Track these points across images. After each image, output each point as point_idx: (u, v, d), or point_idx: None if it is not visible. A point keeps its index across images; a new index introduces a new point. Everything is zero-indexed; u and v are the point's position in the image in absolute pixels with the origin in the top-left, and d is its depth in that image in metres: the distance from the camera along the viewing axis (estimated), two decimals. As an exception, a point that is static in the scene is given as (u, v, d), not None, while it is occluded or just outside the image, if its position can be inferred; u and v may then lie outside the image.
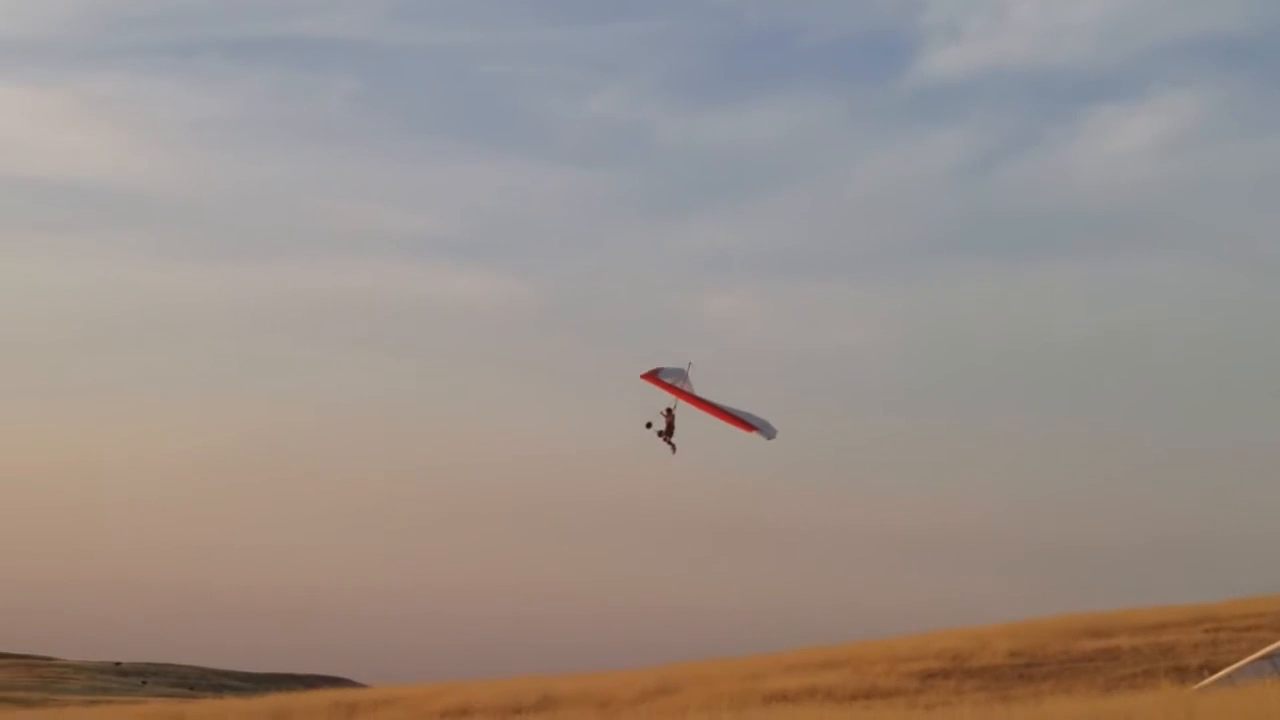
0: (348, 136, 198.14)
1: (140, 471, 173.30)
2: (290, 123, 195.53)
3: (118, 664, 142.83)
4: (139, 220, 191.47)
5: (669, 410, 27.55)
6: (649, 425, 27.54)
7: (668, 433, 27.64)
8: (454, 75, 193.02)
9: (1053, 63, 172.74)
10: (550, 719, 34.84)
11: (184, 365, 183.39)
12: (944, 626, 49.59)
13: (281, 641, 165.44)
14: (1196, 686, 34.12)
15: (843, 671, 42.01)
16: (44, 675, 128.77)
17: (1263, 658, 35.47)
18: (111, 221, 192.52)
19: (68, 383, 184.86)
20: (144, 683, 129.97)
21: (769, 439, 26.86)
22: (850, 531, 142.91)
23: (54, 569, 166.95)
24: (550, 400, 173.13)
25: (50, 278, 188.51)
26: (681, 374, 27.25)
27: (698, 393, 27.19)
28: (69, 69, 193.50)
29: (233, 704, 50.06)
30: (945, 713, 28.78)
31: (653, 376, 27.14)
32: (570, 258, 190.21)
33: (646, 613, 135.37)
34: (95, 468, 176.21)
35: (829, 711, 30.30)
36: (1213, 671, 36.94)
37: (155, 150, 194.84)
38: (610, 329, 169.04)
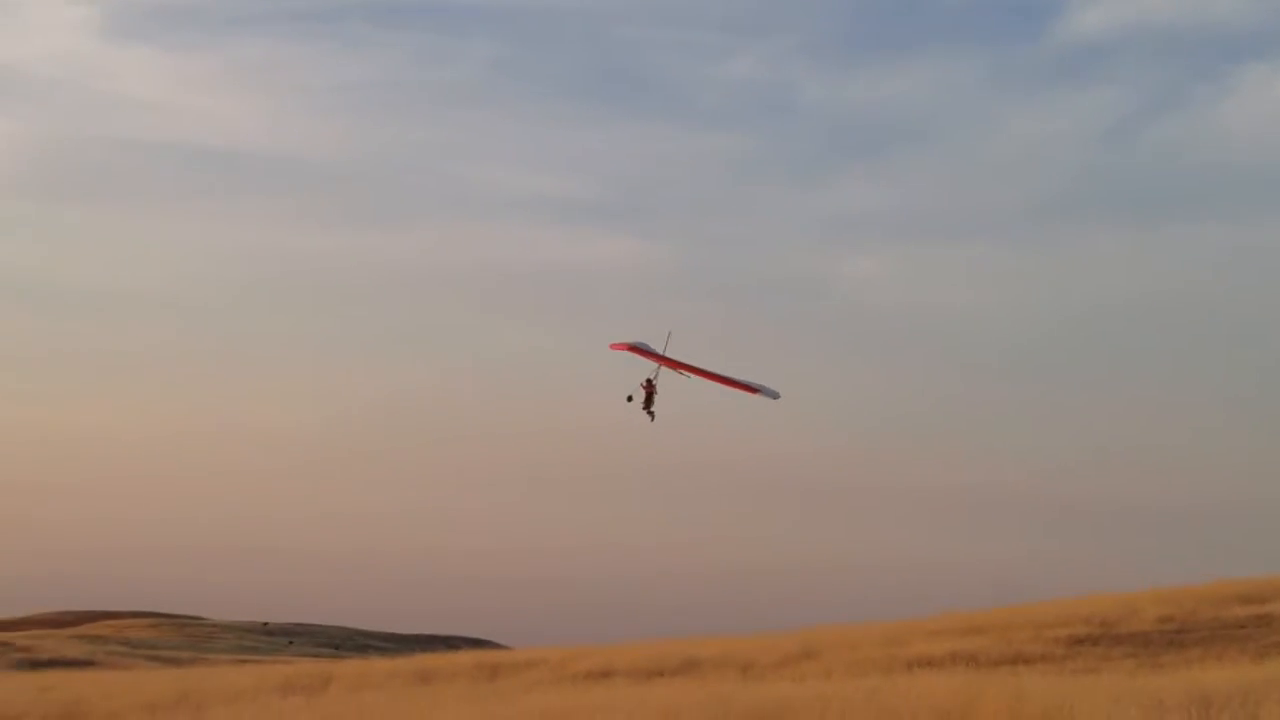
0: (488, 101, 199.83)
1: (288, 435, 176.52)
2: (432, 87, 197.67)
3: (265, 624, 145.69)
4: (288, 185, 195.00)
5: (649, 381, 27.80)
6: (629, 399, 27.92)
7: (647, 403, 27.91)
8: (593, 39, 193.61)
9: (1200, 20, 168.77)
10: (692, 682, 34.81)
11: (331, 329, 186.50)
12: (1091, 592, 48.85)
13: (425, 604, 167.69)
14: None
15: (987, 637, 41.48)
16: (193, 635, 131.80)
17: None
18: (261, 186, 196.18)
19: (218, 347, 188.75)
20: (290, 643, 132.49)
21: (773, 399, 26.89)
22: (995, 494, 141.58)
23: (204, 532, 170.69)
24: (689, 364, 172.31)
25: (202, 242, 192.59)
26: (646, 348, 27.49)
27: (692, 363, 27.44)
28: (219, 35, 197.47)
29: (378, 664, 50.72)
30: (1093, 679, 28.29)
31: (631, 348, 27.42)
32: (708, 221, 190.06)
33: (788, 575, 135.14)
34: (245, 431, 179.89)
35: (974, 677, 29.91)
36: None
37: (302, 115, 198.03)
38: (748, 292, 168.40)
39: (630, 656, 42.61)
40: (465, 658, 47.65)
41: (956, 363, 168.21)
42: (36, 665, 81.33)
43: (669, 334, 27.33)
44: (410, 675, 42.41)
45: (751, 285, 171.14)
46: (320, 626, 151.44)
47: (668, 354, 27.41)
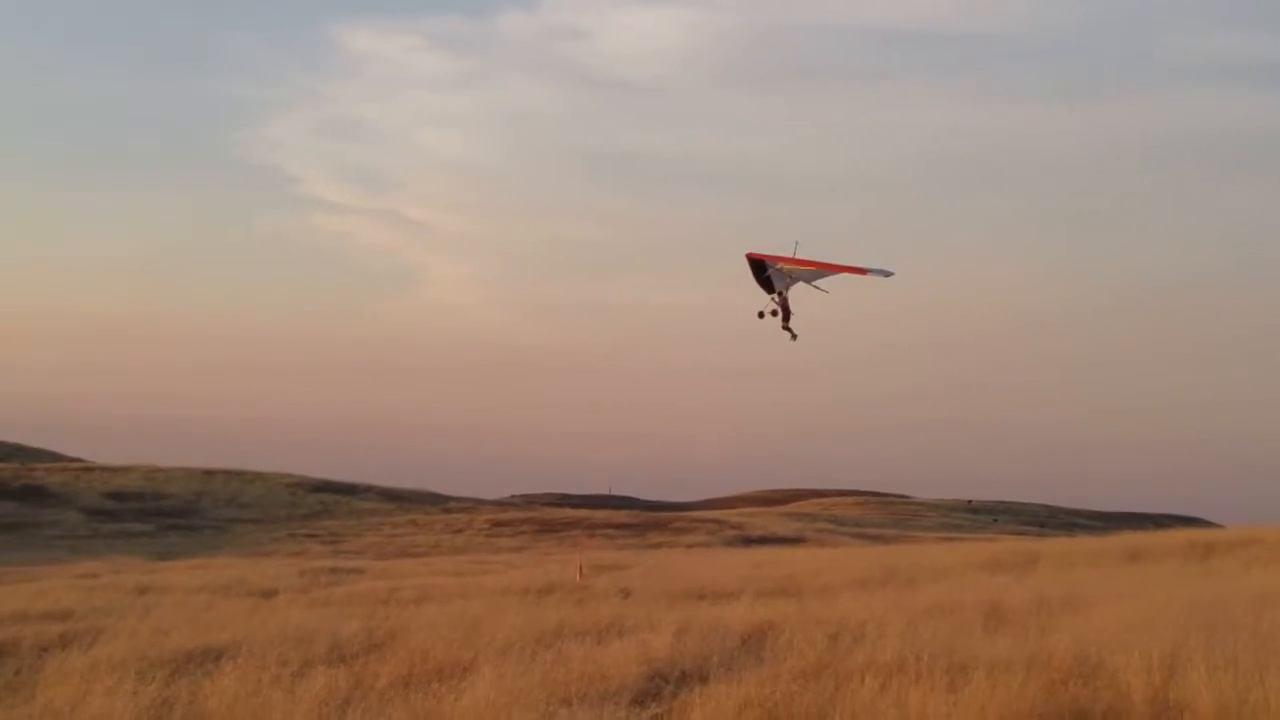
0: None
1: (973, 312, 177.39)
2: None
3: (969, 502, 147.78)
4: (967, 62, 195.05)
5: (780, 295, 24.60)
6: (761, 315, 24.73)
7: (784, 318, 24.69)
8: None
9: None
10: None
11: (1010, 206, 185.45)
12: None
13: (1132, 482, 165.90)
14: None
15: None
16: (898, 513, 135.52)
17: None
18: (949, 65, 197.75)
19: (911, 225, 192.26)
20: (994, 520, 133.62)
21: (887, 277, 23.48)
22: None
23: (908, 410, 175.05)
24: None
25: (895, 123, 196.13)
26: (770, 263, 24.35)
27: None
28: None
29: (1084, 542, 50.25)
30: None
31: (762, 260, 24.29)
32: None
33: None
34: (943, 308, 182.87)
35: None
36: None
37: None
38: None
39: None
40: (1175, 536, 46.16)
41: None
42: (749, 542, 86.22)
43: (796, 244, 24.64)
44: (1118, 553, 41.65)
45: None
46: (1024, 504, 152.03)
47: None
